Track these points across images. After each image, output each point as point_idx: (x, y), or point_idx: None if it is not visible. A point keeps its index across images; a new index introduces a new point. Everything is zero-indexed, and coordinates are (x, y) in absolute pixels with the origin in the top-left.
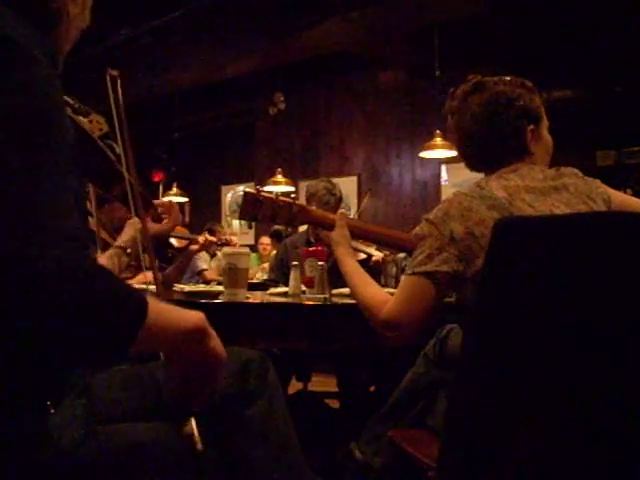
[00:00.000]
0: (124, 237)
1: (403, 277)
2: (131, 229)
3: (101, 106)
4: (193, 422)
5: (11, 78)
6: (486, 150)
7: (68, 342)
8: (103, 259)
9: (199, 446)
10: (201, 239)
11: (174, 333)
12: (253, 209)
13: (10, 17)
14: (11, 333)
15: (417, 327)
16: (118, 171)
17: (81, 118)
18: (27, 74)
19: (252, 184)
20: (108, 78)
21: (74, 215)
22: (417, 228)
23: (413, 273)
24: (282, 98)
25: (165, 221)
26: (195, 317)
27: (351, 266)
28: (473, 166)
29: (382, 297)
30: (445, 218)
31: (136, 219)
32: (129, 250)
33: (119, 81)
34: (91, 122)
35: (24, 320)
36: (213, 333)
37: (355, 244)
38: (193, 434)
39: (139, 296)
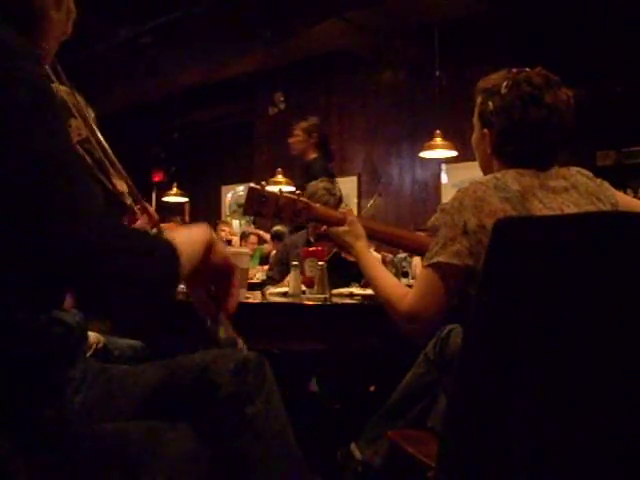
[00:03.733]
0: None
1: (420, 269)
2: None
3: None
4: (222, 328)
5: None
6: (543, 144)
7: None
8: None
9: (240, 345)
10: None
11: (198, 254)
12: (257, 205)
13: None
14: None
15: (436, 318)
16: (95, 177)
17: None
18: (21, 68)
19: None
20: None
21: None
22: (432, 218)
23: (428, 265)
24: (282, 98)
25: (139, 222)
26: (203, 232)
27: (371, 260)
28: (504, 157)
29: (402, 290)
30: (460, 208)
31: None
32: None
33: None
34: (70, 127)
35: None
36: (217, 239)
37: None
38: (233, 336)
39: (171, 245)
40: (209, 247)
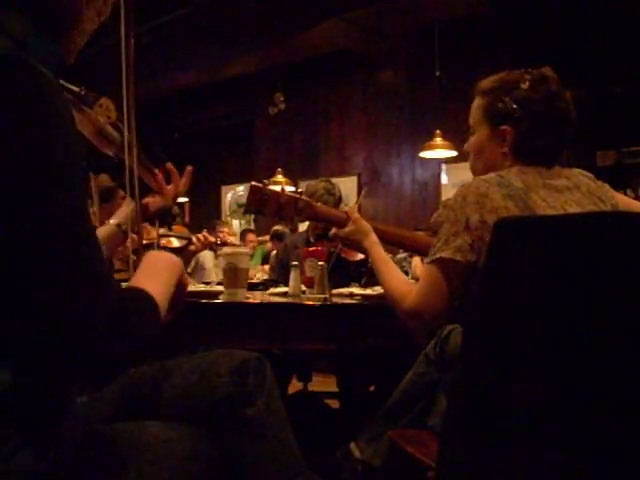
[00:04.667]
0: (120, 215)
1: (424, 265)
2: (127, 208)
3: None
4: None
5: (24, 108)
6: (548, 144)
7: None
8: (101, 233)
9: None
10: (200, 237)
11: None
12: (259, 203)
13: (19, 20)
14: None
15: (439, 315)
16: (121, 161)
17: (86, 110)
18: (35, 93)
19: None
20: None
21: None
22: (435, 215)
23: (431, 261)
24: (282, 98)
25: (169, 187)
26: (176, 265)
27: (382, 254)
28: (526, 152)
29: (406, 287)
30: (463, 204)
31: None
32: (124, 227)
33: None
34: (100, 106)
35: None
36: (183, 270)
37: None
38: None
39: (151, 300)
40: (180, 279)
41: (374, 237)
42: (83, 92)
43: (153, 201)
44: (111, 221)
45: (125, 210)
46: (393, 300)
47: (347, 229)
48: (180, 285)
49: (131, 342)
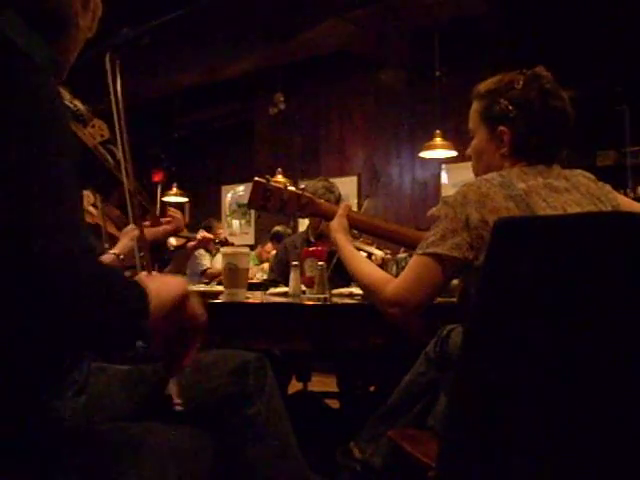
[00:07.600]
0: (120, 246)
1: (413, 256)
2: (126, 238)
3: (101, 100)
4: (172, 383)
5: (14, 85)
6: (545, 144)
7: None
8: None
9: (178, 407)
10: (199, 236)
11: (169, 304)
12: (262, 198)
13: (17, 24)
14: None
15: (422, 306)
16: (116, 178)
17: (80, 125)
18: (28, 80)
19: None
20: (108, 62)
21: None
22: (434, 209)
23: (424, 253)
24: (282, 98)
25: (164, 226)
26: (180, 284)
27: (350, 251)
28: (524, 152)
29: (385, 276)
30: (464, 202)
31: (131, 226)
32: (122, 256)
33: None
34: (93, 127)
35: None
36: (192, 294)
37: (357, 244)
38: (172, 394)
39: (140, 288)
40: (181, 301)
41: (343, 235)
42: (77, 111)
43: (148, 230)
44: (111, 251)
45: (124, 241)
46: (372, 288)
47: (331, 222)
48: (182, 299)
49: (111, 310)
